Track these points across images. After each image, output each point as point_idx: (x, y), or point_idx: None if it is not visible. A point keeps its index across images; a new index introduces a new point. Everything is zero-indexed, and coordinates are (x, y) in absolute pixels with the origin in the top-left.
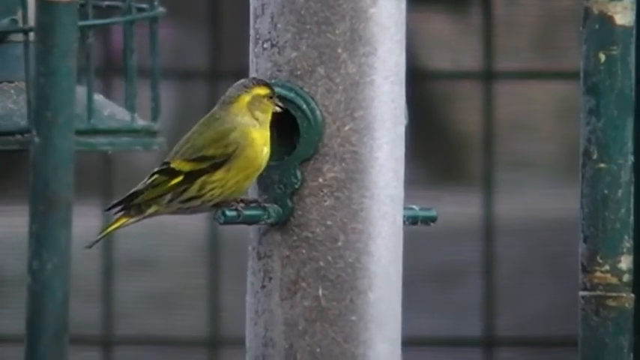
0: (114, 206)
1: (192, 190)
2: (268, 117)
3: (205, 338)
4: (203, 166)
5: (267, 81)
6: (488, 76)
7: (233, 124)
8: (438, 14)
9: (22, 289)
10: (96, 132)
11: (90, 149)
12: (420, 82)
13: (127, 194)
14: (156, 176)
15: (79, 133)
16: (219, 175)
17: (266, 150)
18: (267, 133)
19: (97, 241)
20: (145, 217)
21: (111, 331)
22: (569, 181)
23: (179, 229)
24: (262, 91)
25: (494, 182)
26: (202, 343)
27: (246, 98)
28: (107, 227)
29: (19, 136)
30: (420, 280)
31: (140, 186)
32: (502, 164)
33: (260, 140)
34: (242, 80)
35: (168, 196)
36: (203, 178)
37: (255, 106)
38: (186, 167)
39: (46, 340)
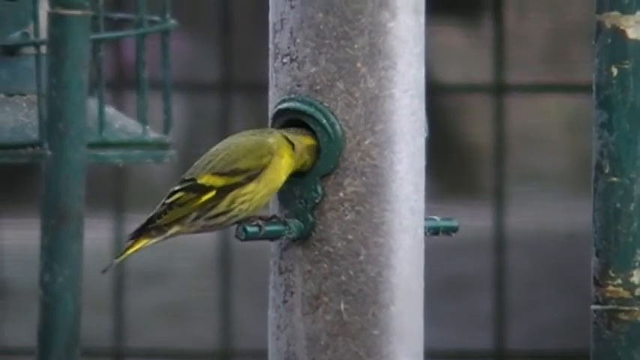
0: (135, 233)
1: (222, 206)
2: (299, 163)
3: (217, 351)
4: (238, 179)
5: None
6: (499, 89)
7: (269, 138)
8: (449, 27)
9: (33, 302)
10: (107, 145)
11: (101, 162)
12: (430, 95)
13: (147, 219)
14: (180, 194)
15: (91, 145)
16: (250, 187)
17: (284, 177)
18: (291, 170)
19: (118, 263)
20: (166, 238)
21: (122, 344)
22: (581, 194)
23: (190, 242)
24: (309, 141)
25: (505, 195)
26: (214, 355)
27: (309, 141)
28: (127, 249)
29: (30, 149)
30: (431, 292)
31: (158, 208)
32: (513, 177)
33: (287, 163)
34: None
35: (194, 214)
36: (234, 191)
37: (309, 151)
38: (219, 182)
39: (57, 352)
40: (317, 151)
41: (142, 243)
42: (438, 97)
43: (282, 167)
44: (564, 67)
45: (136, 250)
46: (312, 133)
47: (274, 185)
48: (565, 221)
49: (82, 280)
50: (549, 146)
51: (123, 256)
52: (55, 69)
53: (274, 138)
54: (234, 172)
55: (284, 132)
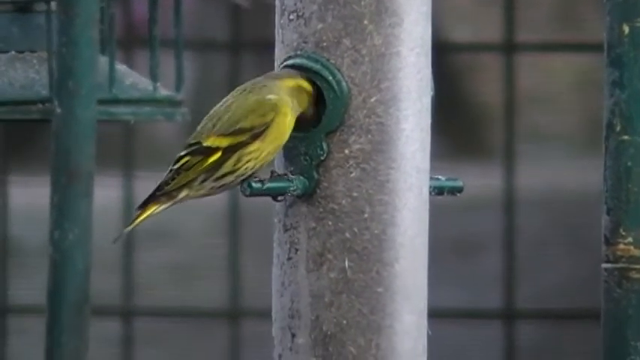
0: (145, 202)
1: (228, 165)
2: (300, 110)
3: (226, 309)
4: (242, 138)
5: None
6: (508, 48)
7: (272, 93)
8: None
9: (42, 260)
10: (118, 101)
11: (112, 119)
12: (440, 55)
13: (155, 187)
14: (187, 158)
15: (101, 102)
16: (255, 145)
17: (289, 132)
18: (294, 121)
19: (128, 231)
20: (175, 203)
21: (131, 302)
22: (590, 153)
23: (199, 201)
24: (306, 85)
25: (514, 154)
26: (223, 314)
27: (291, 83)
28: (137, 217)
29: (40, 106)
30: (440, 252)
31: (166, 175)
32: (522, 136)
33: (290, 117)
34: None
35: (202, 177)
36: (240, 151)
37: (294, 94)
38: (224, 142)
39: (67, 310)
40: (309, 94)
41: (152, 209)
42: (448, 56)
43: (286, 123)
44: (574, 26)
45: (145, 217)
46: (308, 81)
47: (280, 142)
48: (574, 180)
49: (92, 238)
50: (559, 105)
51: (133, 225)
52: (65, 27)
53: (275, 95)
54: (238, 132)
55: (279, 82)
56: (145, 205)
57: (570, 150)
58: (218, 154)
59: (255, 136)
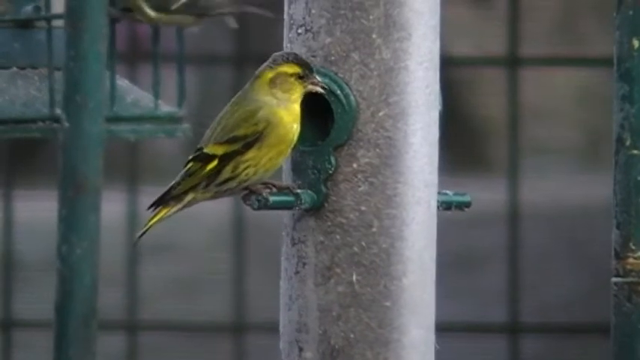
0: (154, 204)
1: (227, 172)
2: (292, 97)
3: (230, 323)
4: (236, 147)
5: (304, 59)
6: (512, 62)
7: (259, 103)
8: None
9: (46, 274)
10: (119, 119)
11: (113, 136)
12: (443, 68)
13: (166, 189)
14: (191, 164)
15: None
16: (251, 153)
17: (296, 126)
18: (296, 111)
19: (141, 236)
20: (184, 206)
21: (135, 316)
22: (593, 167)
23: (203, 214)
24: (290, 69)
25: (518, 168)
26: (227, 328)
27: (269, 75)
28: (149, 221)
29: (41, 124)
30: (444, 266)
31: (177, 178)
32: (526, 150)
33: (288, 118)
34: (279, 53)
35: (204, 182)
36: (236, 158)
37: (275, 84)
38: (220, 150)
39: (74, 324)
40: (300, 76)
41: (163, 213)
42: (452, 70)
43: (285, 127)
44: (578, 40)
45: (158, 220)
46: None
47: (284, 145)
48: (578, 194)
49: (99, 251)
50: (563, 119)
51: (146, 227)
52: (74, 41)
53: (263, 110)
54: (232, 140)
55: (256, 86)
56: (155, 207)
57: (574, 164)
58: (215, 162)
59: (249, 145)
